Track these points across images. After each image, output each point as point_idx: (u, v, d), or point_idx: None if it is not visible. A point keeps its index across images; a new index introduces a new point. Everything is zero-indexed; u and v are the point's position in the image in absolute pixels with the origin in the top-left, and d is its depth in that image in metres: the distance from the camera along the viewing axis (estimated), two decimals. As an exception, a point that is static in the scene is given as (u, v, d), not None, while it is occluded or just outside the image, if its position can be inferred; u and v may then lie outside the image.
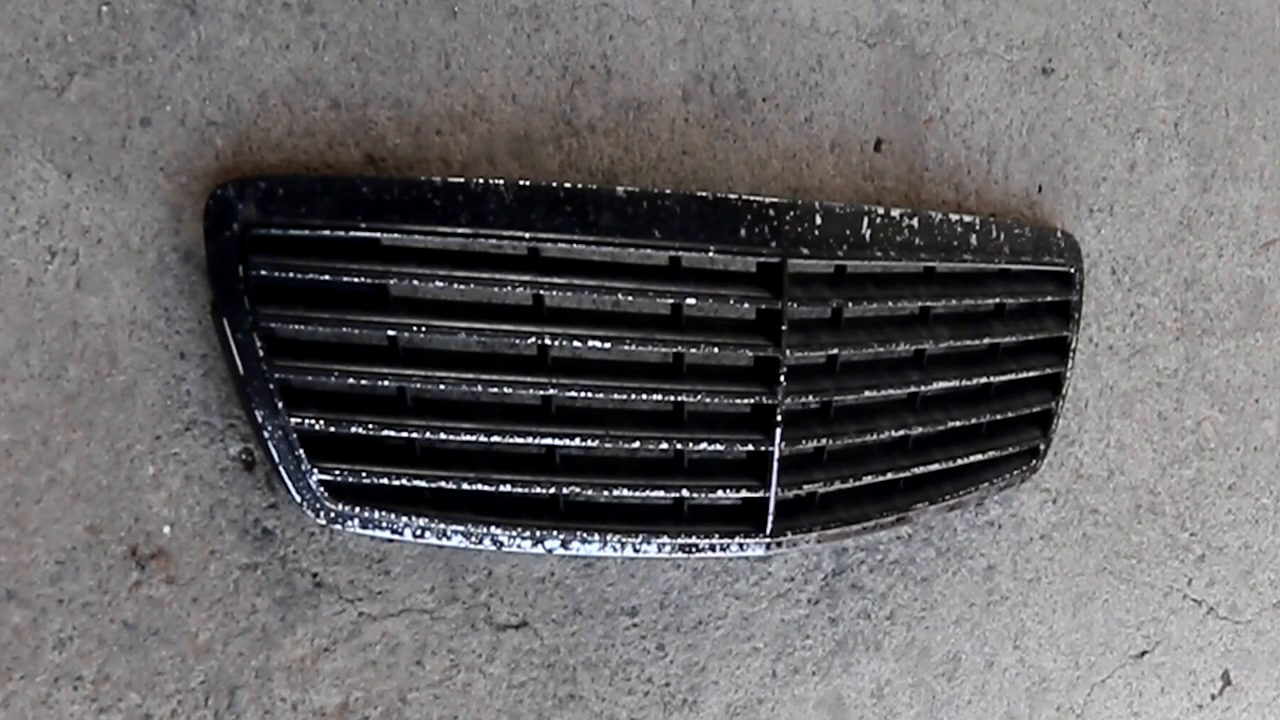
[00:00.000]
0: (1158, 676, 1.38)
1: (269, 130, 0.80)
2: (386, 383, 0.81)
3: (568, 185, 0.83)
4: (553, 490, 0.87)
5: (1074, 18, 1.18)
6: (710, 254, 0.88)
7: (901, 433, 1.01)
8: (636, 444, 0.88)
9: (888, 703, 1.15)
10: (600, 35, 0.91)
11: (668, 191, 0.86)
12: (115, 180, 0.76)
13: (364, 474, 0.81)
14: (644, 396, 0.88)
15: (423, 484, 0.83)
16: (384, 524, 0.83)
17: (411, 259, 0.80)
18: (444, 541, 0.84)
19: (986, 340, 1.06)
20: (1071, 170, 1.20)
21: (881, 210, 0.96)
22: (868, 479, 1.00)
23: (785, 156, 1.01)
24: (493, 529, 0.85)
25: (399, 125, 0.84)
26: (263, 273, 0.76)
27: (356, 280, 0.78)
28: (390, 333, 0.80)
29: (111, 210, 0.76)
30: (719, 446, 0.91)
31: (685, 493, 0.91)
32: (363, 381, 0.80)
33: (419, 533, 0.83)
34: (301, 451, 0.79)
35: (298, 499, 0.80)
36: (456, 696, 0.92)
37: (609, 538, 0.89)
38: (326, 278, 0.78)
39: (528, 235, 0.82)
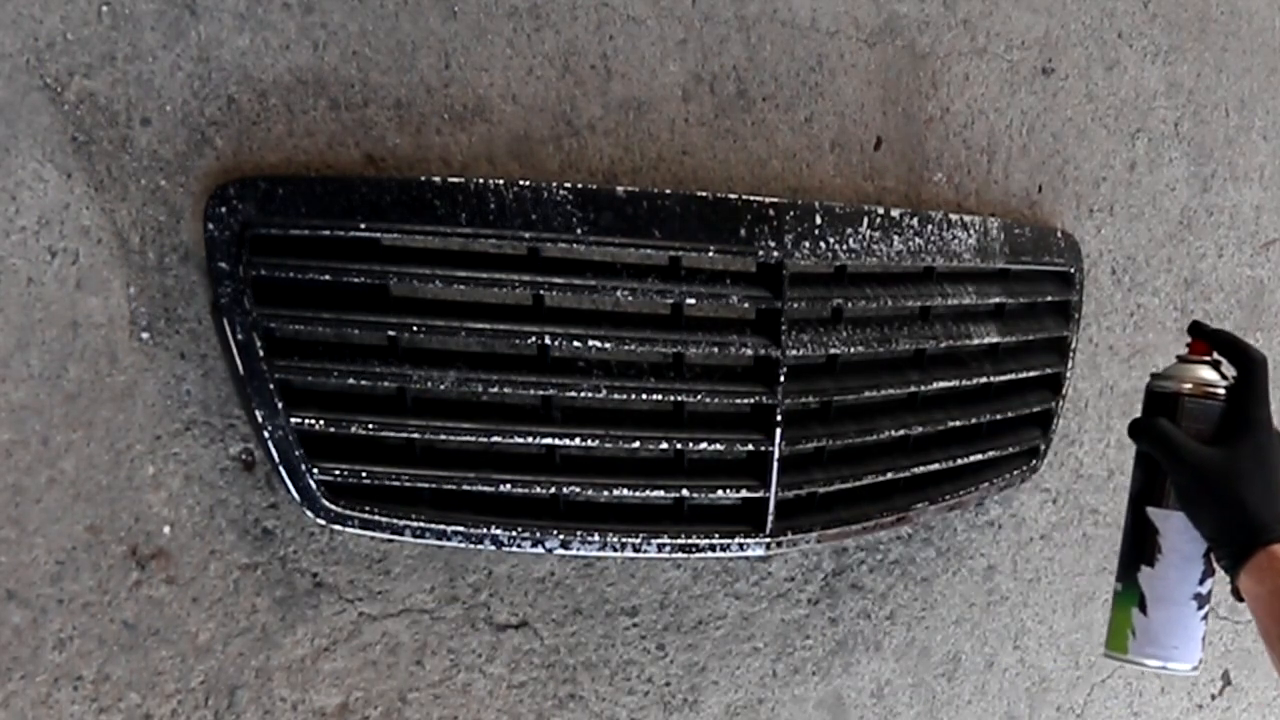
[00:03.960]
0: (1157, 676, 1.38)
1: (269, 130, 0.80)
2: (386, 383, 0.81)
3: (568, 185, 0.83)
4: (553, 490, 0.87)
5: (1074, 18, 1.18)
6: (710, 254, 0.88)
7: (901, 433, 1.01)
8: (636, 444, 0.88)
9: (888, 703, 1.15)
10: (600, 35, 0.91)
11: (668, 191, 0.86)
12: (115, 180, 0.76)
13: (364, 474, 0.81)
14: (644, 396, 0.88)
15: (423, 484, 0.83)
16: (384, 524, 0.83)
17: (411, 259, 0.80)
18: (444, 541, 0.84)
19: (987, 340, 1.06)
20: (1071, 170, 1.20)
21: (881, 210, 0.97)
22: (868, 479, 1.00)
23: (785, 156, 1.01)
24: (493, 529, 0.85)
25: (399, 125, 0.84)
26: (263, 273, 0.76)
27: (356, 280, 0.78)
28: (390, 333, 0.80)
29: (111, 210, 0.76)
30: (719, 446, 0.91)
31: (685, 493, 0.91)
32: (363, 381, 0.80)
33: (419, 533, 0.84)
34: (301, 451, 0.79)
35: (298, 499, 0.80)
36: (456, 696, 0.93)
37: (609, 538, 0.89)
38: (326, 278, 0.78)
39: (528, 235, 0.82)
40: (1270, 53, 1.34)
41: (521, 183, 0.81)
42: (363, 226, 0.77)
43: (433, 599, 0.91)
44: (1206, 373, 0.84)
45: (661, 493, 0.91)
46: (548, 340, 0.84)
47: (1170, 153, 1.27)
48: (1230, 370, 0.85)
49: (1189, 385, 0.84)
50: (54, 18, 0.73)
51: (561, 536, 0.87)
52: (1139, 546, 0.84)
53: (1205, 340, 0.86)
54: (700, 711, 1.04)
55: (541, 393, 0.85)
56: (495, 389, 0.83)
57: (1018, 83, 1.15)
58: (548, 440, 0.86)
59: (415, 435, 0.82)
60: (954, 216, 1.01)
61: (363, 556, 0.88)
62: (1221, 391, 0.83)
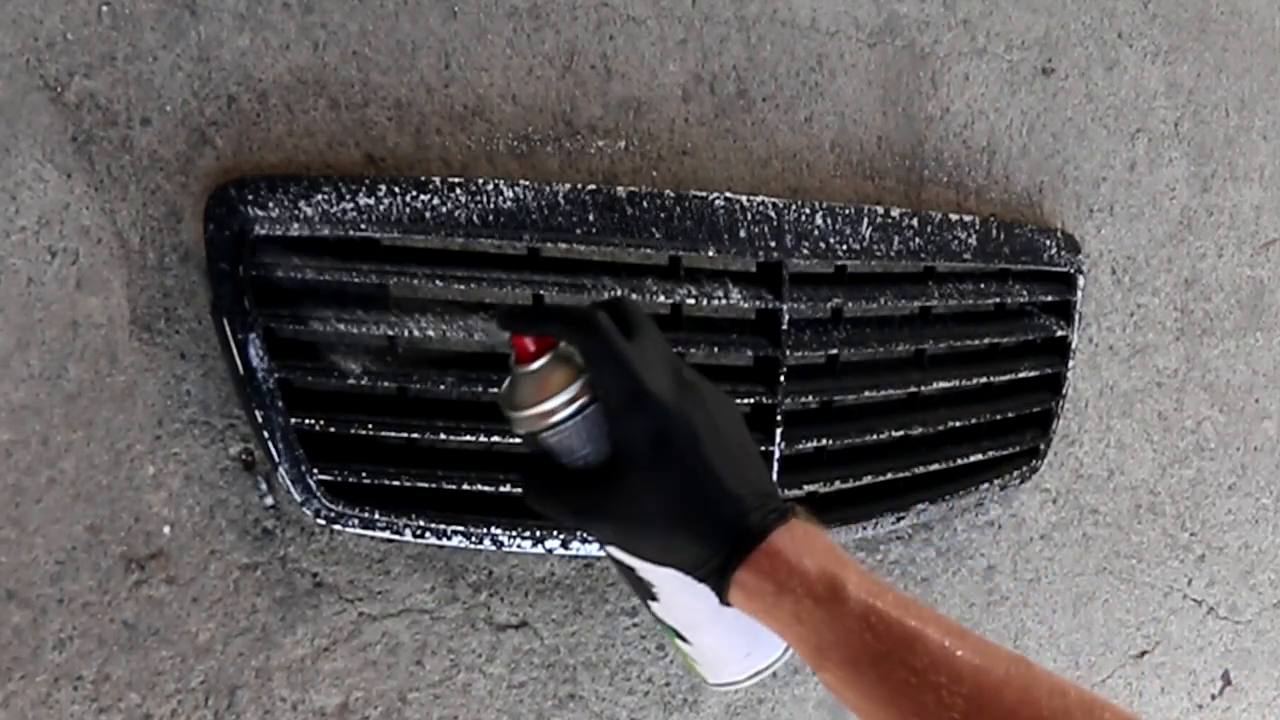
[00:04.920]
0: (1158, 676, 1.38)
1: (269, 130, 0.80)
2: (386, 382, 0.81)
3: (568, 185, 0.83)
4: (553, 490, 0.87)
5: (1074, 18, 1.18)
6: (710, 254, 0.88)
7: (901, 433, 1.01)
8: (636, 444, 0.88)
9: (888, 703, 1.15)
10: (600, 35, 0.91)
11: (668, 191, 0.86)
12: (115, 180, 0.76)
13: (364, 474, 0.81)
14: (644, 396, 0.88)
15: (423, 484, 0.83)
16: (384, 524, 0.83)
17: (411, 259, 0.80)
18: (444, 541, 0.84)
19: (986, 340, 1.06)
20: (1071, 170, 1.20)
21: (881, 210, 0.96)
22: (868, 479, 1.00)
23: (785, 156, 1.01)
24: (493, 529, 0.85)
25: (399, 125, 0.84)
26: (263, 273, 0.76)
27: (356, 280, 0.78)
28: (390, 332, 0.80)
29: (111, 210, 0.76)
30: (719, 446, 0.91)
31: (685, 493, 0.91)
32: (363, 381, 0.80)
33: (419, 533, 0.83)
34: (301, 451, 0.79)
35: (298, 499, 0.80)
36: (456, 696, 0.92)
37: (609, 538, 0.89)
38: (327, 278, 0.78)
39: (528, 235, 0.82)
40: (1270, 53, 1.34)
41: (521, 183, 0.81)
42: (363, 226, 0.77)
43: (433, 599, 0.91)
44: (544, 387, 0.59)
45: (661, 493, 0.91)
46: (548, 340, 0.84)
47: (1170, 153, 1.27)
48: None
49: (532, 415, 0.60)
50: (54, 18, 0.73)
51: (561, 536, 0.87)
52: (634, 585, 0.65)
53: (520, 332, 0.61)
54: (700, 711, 1.04)
55: (541, 393, 0.85)
56: (495, 389, 0.83)
57: (1018, 83, 1.15)
58: (548, 440, 0.86)
59: (415, 435, 0.82)
60: (954, 216, 1.01)
61: (363, 556, 0.88)
62: (572, 400, 0.59)
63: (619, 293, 0.85)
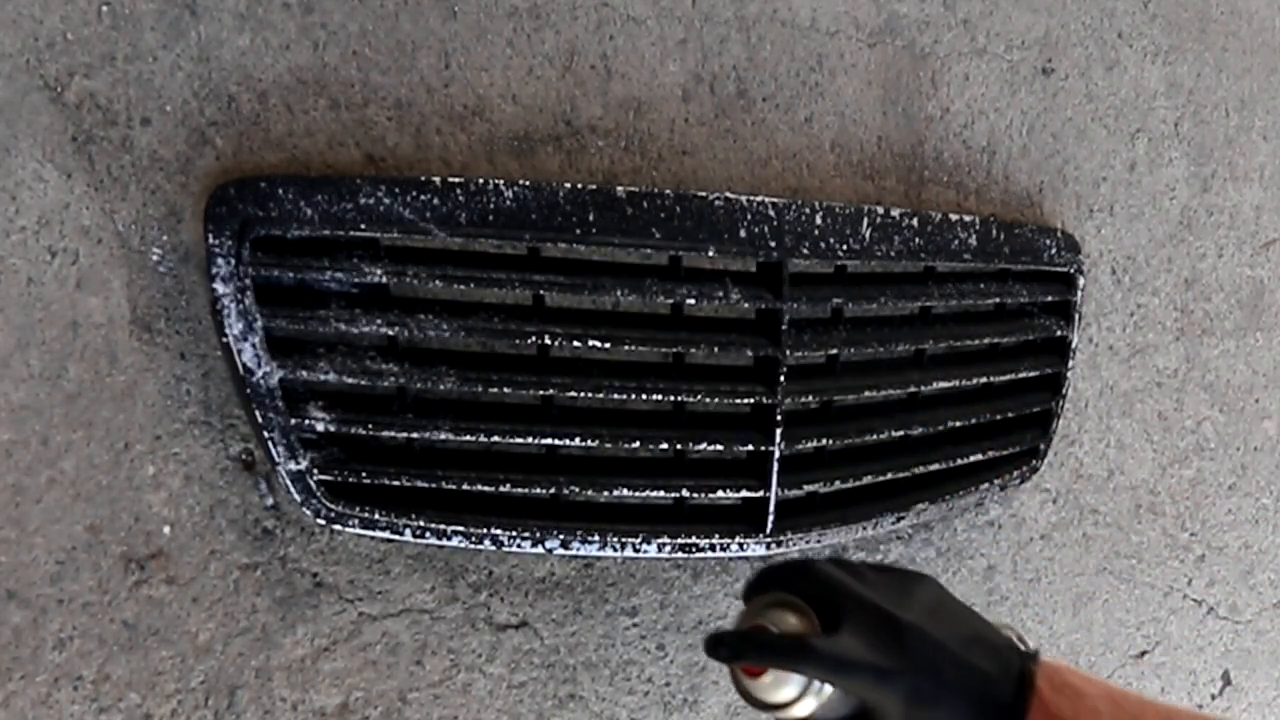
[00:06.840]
0: (1158, 676, 1.38)
1: (269, 130, 0.80)
2: (386, 383, 0.81)
3: (568, 185, 0.83)
4: (553, 490, 0.87)
5: (1074, 18, 1.18)
6: (710, 254, 0.88)
7: (901, 433, 1.01)
8: (636, 444, 0.88)
9: (888, 703, 1.15)
10: (600, 35, 0.91)
11: (668, 191, 0.86)
12: (115, 180, 0.76)
13: (364, 474, 0.81)
14: (644, 396, 0.88)
15: (423, 484, 0.83)
16: (384, 524, 0.83)
17: (411, 259, 0.80)
18: (444, 541, 0.84)
19: (986, 340, 1.06)
20: (1071, 170, 1.20)
21: (881, 210, 0.96)
22: (868, 479, 1.00)
23: (785, 156, 1.01)
24: (493, 529, 0.85)
25: (399, 125, 0.84)
26: (263, 273, 0.76)
27: (357, 280, 0.78)
28: (390, 332, 0.80)
29: (111, 210, 0.76)
30: (719, 446, 0.91)
31: (685, 493, 0.91)
32: (363, 381, 0.80)
33: (419, 533, 0.83)
34: (301, 451, 0.79)
35: (298, 499, 0.80)
36: (456, 696, 0.92)
37: (609, 538, 0.89)
38: (327, 277, 0.78)
39: (528, 235, 0.82)
40: (1270, 53, 1.34)
41: (521, 183, 0.81)
42: (363, 226, 0.77)
43: (433, 599, 0.91)
44: (783, 691, 0.64)
45: (661, 493, 0.91)
46: (548, 340, 0.84)
47: (1170, 153, 1.27)
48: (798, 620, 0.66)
49: (783, 716, 0.65)
50: (54, 18, 0.73)
51: (561, 536, 0.87)
52: None
53: (739, 664, 0.65)
54: (700, 711, 1.04)
55: (541, 393, 0.85)
56: (495, 389, 0.83)
57: (1018, 83, 1.15)
58: (548, 440, 0.86)
59: (415, 435, 0.82)
60: (954, 216, 1.01)
61: (363, 556, 0.88)
62: (814, 692, 0.64)
63: (620, 294, 0.85)
